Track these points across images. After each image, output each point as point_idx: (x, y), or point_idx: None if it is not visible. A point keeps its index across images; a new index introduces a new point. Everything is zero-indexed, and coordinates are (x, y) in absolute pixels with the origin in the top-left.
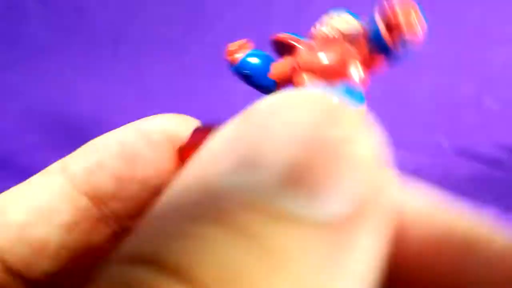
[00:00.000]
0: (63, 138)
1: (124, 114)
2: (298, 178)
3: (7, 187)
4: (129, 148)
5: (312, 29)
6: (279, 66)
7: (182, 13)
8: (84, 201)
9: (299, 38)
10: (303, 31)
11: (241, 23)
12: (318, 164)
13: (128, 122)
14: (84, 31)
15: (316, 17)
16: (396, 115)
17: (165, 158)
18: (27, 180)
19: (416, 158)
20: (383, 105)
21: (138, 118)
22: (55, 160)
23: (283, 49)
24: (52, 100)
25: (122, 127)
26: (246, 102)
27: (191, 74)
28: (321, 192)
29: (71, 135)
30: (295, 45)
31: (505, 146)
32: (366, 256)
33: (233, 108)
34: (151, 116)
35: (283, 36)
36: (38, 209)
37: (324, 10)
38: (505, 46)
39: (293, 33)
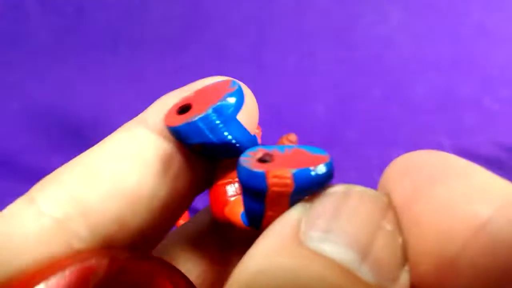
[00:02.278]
0: (63, 138)
1: (124, 114)
2: None
3: (7, 187)
4: None
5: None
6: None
7: (182, 13)
8: (170, 147)
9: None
10: (303, 31)
11: (241, 23)
12: None
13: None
14: (84, 31)
15: (316, 17)
16: (396, 115)
17: None
18: (109, 136)
19: None
20: (383, 105)
21: None
22: (55, 160)
23: None
24: (52, 100)
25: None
26: None
27: (191, 74)
28: None
29: (71, 135)
30: None
31: (505, 146)
32: None
33: None
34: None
35: None
36: (129, 159)
37: (324, 11)
38: (505, 46)
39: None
